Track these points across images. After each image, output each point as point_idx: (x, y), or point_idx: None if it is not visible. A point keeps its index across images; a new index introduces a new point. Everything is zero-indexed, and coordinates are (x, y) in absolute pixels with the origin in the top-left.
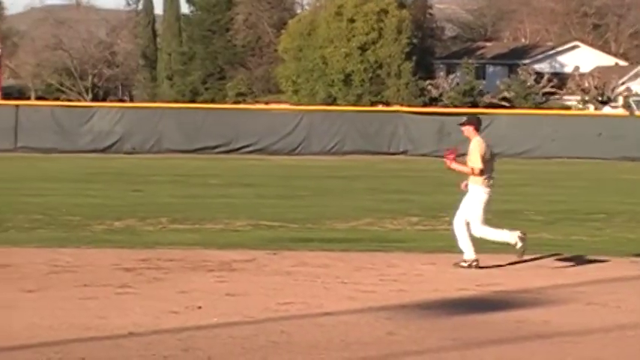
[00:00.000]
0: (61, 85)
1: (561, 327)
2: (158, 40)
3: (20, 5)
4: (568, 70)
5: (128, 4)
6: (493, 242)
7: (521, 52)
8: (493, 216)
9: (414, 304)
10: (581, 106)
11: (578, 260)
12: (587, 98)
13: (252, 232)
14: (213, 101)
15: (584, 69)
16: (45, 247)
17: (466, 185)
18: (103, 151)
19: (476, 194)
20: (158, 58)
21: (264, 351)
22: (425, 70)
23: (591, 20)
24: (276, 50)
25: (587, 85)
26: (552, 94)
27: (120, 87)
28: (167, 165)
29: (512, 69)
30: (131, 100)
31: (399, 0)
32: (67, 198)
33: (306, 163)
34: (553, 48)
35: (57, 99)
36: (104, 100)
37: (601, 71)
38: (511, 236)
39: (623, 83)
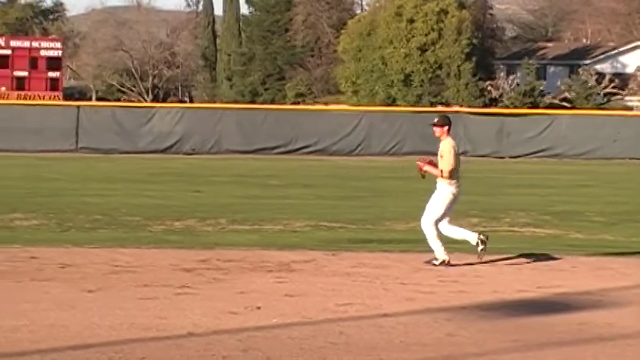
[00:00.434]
0: (122, 85)
1: (624, 329)
2: (218, 40)
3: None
4: (630, 70)
5: (188, 5)
6: (460, 241)
7: (582, 53)
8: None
9: (473, 305)
10: None
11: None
12: None
13: (312, 232)
14: (272, 102)
15: None
16: (105, 248)
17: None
18: (163, 151)
19: (442, 191)
20: (218, 58)
21: (322, 352)
22: (485, 70)
23: None
24: (335, 51)
25: None
26: (614, 94)
27: (180, 88)
28: (226, 166)
29: (573, 69)
30: (191, 101)
31: (459, 0)
32: (127, 198)
33: (366, 164)
34: (615, 48)
35: (117, 100)
36: (164, 100)
37: None
38: (437, 250)
39: None
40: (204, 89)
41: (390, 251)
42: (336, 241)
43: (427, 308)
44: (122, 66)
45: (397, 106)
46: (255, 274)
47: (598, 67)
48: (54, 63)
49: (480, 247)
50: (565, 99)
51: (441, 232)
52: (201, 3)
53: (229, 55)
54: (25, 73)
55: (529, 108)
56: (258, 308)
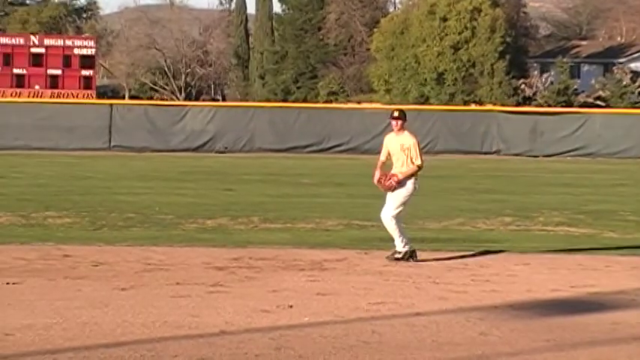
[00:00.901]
0: (155, 84)
1: None
2: (250, 39)
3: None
4: None
5: (221, 4)
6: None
7: (616, 51)
8: (588, 216)
9: (506, 304)
10: None
11: None
12: None
13: (344, 231)
14: (305, 100)
15: None
16: (138, 246)
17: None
18: (196, 150)
19: (407, 187)
20: (250, 57)
21: (354, 351)
22: (518, 69)
23: None
24: (368, 49)
25: None
26: None
27: (212, 86)
28: (259, 164)
29: (607, 68)
30: (223, 99)
31: None
32: (160, 197)
33: None
34: None
35: (150, 98)
36: (197, 99)
37: None
38: (403, 244)
39: None
40: (236, 87)
41: (423, 250)
42: (368, 240)
43: (460, 307)
44: (155, 64)
45: (430, 104)
46: (287, 273)
47: (632, 65)
48: (87, 61)
49: (398, 255)
50: (599, 97)
51: (402, 225)
52: (234, 1)
53: (262, 54)
54: (58, 72)
55: (563, 107)
56: (291, 307)
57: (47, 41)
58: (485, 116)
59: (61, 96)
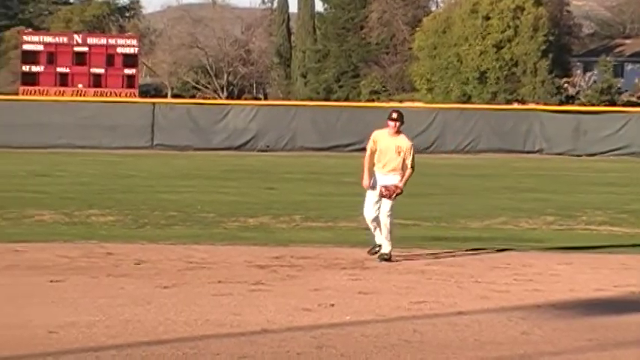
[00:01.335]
0: (197, 83)
1: None
2: (292, 38)
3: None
4: None
5: (263, 2)
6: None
7: None
8: (631, 215)
9: (548, 304)
10: None
11: None
12: None
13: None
14: (347, 99)
15: None
16: (180, 244)
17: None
18: (238, 148)
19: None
20: (292, 56)
21: (396, 349)
22: (561, 67)
23: None
24: (410, 48)
25: None
26: None
27: (254, 85)
28: (301, 163)
29: None
30: (265, 98)
31: None
32: (202, 195)
33: (440, 162)
34: None
35: (193, 97)
36: (239, 97)
37: None
38: (389, 243)
39: None
40: (278, 86)
41: (465, 249)
42: (409, 239)
43: (502, 307)
44: (197, 63)
45: (472, 103)
46: (328, 272)
47: None
48: (130, 60)
49: (377, 249)
50: None
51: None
52: (276, 0)
53: (304, 53)
54: (101, 71)
55: (606, 106)
56: (332, 305)
57: (90, 40)
58: (528, 115)
59: (104, 95)
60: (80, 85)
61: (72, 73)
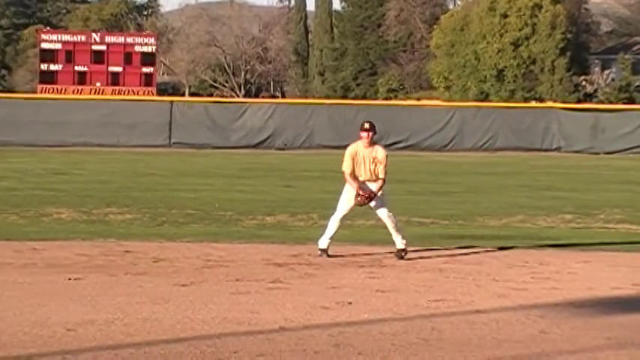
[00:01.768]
0: (215, 81)
1: None
2: (310, 36)
3: (175, 2)
4: None
5: (280, 1)
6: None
7: None
8: None
9: (567, 302)
10: None
11: None
12: None
13: (403, 228)
14: (364, 97)
15: None
16: (198, 242)
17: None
18: (255, 146)
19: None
20: (310, 54)
21: (414, 348)
22: (579, 65)
23: None
24: (428, 46)
25: None
26: None
27: (272, 83)
28: (318, 161)
29: None
30: (283, 96)
31: None
32: (220, 193)
33: (458, 160)
34: None
35: (210, 95)
36: (256, 96)
37: None
38: (401, 240)
39: None
40: (296, 84)
41: (483, 247)
42: (428, 237)
43: (519, 305)
44: (215, 61)
45: (490, 101)
46: (346, 270)
47: None
48: (148, 58)
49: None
50: None
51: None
52: None
53: (321, 51)
54: (119, 69)
55: (624, 103)
56: (350, 303)
57: (108, 38)
58: (546, 113)
59: (122, 93)
60: (98, 84)
61: (90, 72)
